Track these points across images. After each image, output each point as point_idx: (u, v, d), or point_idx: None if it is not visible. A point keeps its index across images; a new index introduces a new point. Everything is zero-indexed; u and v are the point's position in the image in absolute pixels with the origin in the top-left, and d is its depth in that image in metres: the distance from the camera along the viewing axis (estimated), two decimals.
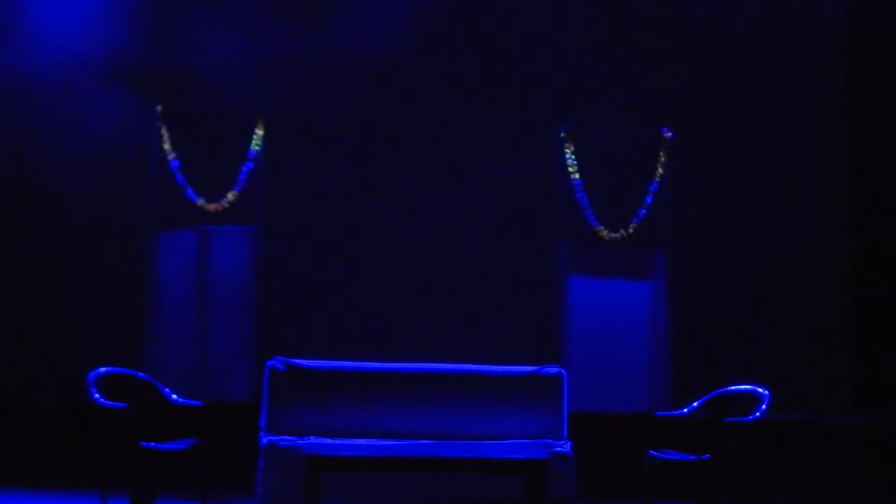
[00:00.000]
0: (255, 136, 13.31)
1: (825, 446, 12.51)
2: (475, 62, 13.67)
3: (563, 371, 11.03)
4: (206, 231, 13.27)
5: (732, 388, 10.73)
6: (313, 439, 10.33)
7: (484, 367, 11.03)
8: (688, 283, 13.51)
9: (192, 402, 10.65)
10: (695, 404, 10.77)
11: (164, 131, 13.20)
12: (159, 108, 13.20)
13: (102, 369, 10.40)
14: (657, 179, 13.56)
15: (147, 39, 13.40)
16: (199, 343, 13.13)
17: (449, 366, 10.98)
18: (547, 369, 11.02)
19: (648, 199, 13.53)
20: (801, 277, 13.70)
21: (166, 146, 13.20)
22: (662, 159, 13.59)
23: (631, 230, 13.50)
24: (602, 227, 13.49)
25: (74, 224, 13.21)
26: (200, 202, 13.21)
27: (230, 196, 13.26)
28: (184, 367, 12.91)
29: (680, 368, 13.26)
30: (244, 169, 13.28)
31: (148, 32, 13.41)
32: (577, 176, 13.55)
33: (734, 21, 13.76)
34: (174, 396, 10.61)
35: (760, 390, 10.54)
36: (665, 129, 13.57)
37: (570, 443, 10.59)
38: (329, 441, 10.30)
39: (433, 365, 11.00)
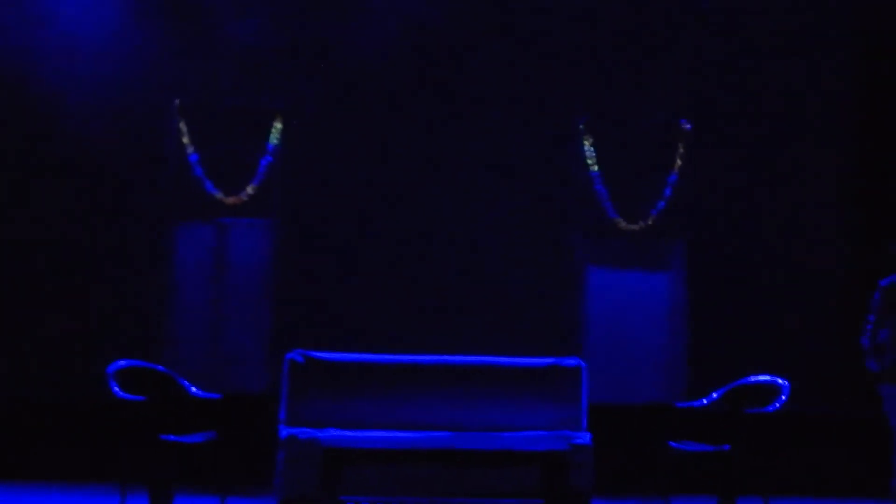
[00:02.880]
0: (273, 130, 13.33)
1: (846, 438, 12.49)
2: (494, 54, 13.65)
3: (583, 362, 11.02)
4: (225, 224, 13.29)
5: (752, 379, 10.71)
6: (332, 431, 10.34)
7: (503, 358, 11.03)
8: (707, 274, 13.49)
9: (211, 394, 10.67)
10: (714, 395, 10.75)
11: (182, 125, 13.23)
12: (178, 102, 13.22)
13: (121, 362, 10.42)
14: (676, 171, 13.54)
15: (165, 33, 13.40)
16: (218, 336, 13.16)
17: (468, 357, 10.98)
18: (566, 361, 11.01)
19: (667, 191, 13.51)
20: (823, 268, 13.65)
21: (185, 140, 13.22)
22: (681, 151, 13.58)
23: (650, 222, 13.49)
24: (621, 219, 13.48)
25: (93, 217, 13.22)
26: (219, 195, 13.23)
27: (249, 189, 13.28)
28: (202, 359, 12.94)
29: (699, 359, 13.25)
30: (262, 162, 13.30)
31: (166, 26, 13.41)
32: (595, 168, 13.54)
33: (754, 12, 13.71)
34: (193, 389, 10.63)
35: (780, 381, 10.53)
36: (683, 120, 13.55)
37: (589, 434, 10.58)
38: (348, 433, 10.31)
39: (452, 357, 11.00)
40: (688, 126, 13.57)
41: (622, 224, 13.48)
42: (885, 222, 13.67)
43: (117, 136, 13.23)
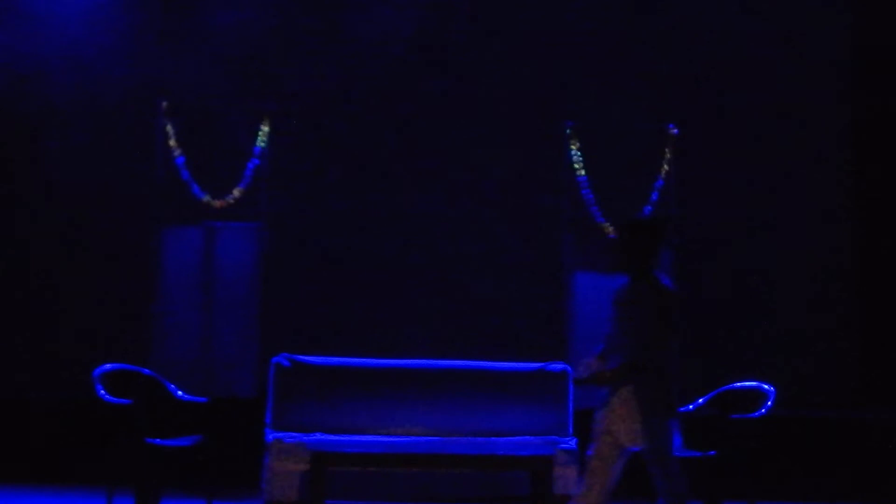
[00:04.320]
0: (260, 133, 13.32)
1: (832, 442, 12.52)
2: (482, 58, 13.66)
3: (569, 367, 11.03)
4: (212, 227, 13.27)
5: (738, 384, 10.73)
6: (319, 436, 10.34)
7: (489, 363, 11.03)
8: (693, 278, 13.50)
9: (198, 398, 10.67)
10: (700, 401, 10.77)
11: (169, 127, 13.21)
12: (165, 104, 13.20)
13: (108, 366, 10.42)
14: (663, 176, 13.55)
15: (152, 34, 13.39)
16: (205, 339, 13.13)
17: (454, 362, 10.98)
18: (553, 366, 11.02)
19: (654, 196, 13.52)
20: (808, 273, 13.69)
21: (172, 142, 13.20)
22: (668, 156, 13.59)
23: None
24: (608, 224, 13.49)
25: (80, 220, 13.21)
26: (206, 199, 13.21)
27: (236, 192, 13.27)
28: (189, 363, 12.92)
29: (685, 365, 13.25)
30: (249, 165, 13.29)
31: (153, 27, 13.40)
32: (582, 172, 13.55)
33: (741, 18, 13.74)
34: (179, 393, 10.63)
35: (766, 387, 10.55)
36: (671, 125, 13.56)
37: (575, 439, 10.58)
38: (334, 437, 10.31)
39: (438, 361, 11.00)
40: (675, 131, 13.57)
41: (609, 229, 13.48)
42: (878, 225, 13.71)
43: (104, 138, 13.21)
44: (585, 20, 13.75)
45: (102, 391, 10.19)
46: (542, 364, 11.04)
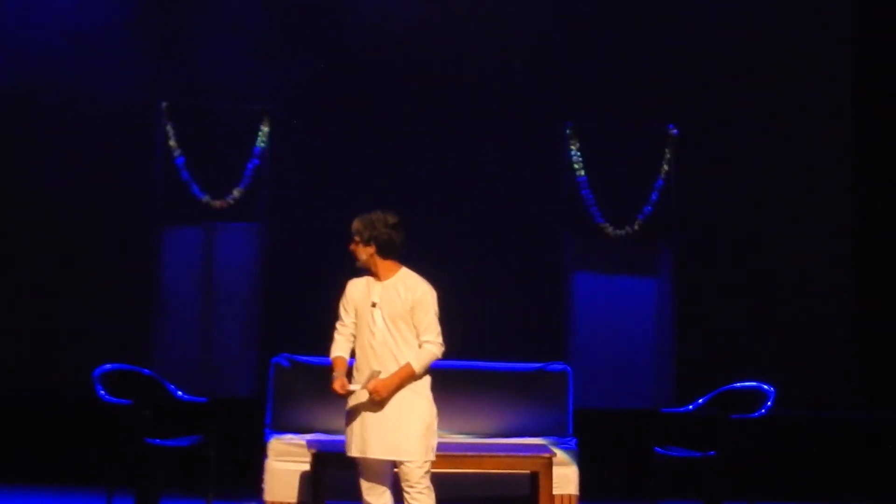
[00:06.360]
0: (260, 133, 13.32)
1: (831, 443, 12.52)
2: (480, 57, 13.64)
3: (569, 368, 11.04)
4: (212, 227, 13.27)
5: (738, 384, 10.75)
6: (318, 436, 10.34)
7: (489, 363, 11.04)
8: (693, 279, 13.50)
9: (198, 398, 10.67)
10: (700, 401, 10.79)
11: (169, 128, 13.21)
12: (165, 104, 13.20)
13: (108, 366, 10.43)
14: (663, 176, 13.55)
15: (152, 34, 13.38)
16: (205, 339, 13.14)
17: (454, 362, 10.95)
18: (552, 366, 11.03)
19: (654, 196, 13.52)
20: (808, 274, 13.68)
21: (172, 143, 13.20)
22: (668, 156, 13.59)
23: (636, 227, 13.50)
24: (607, 224, 13.49)
25: (80, 220, 13.19)
26: (206, 199, 13.21)
27: (235, 193, 13.26)
28: (189, 363, 12.92)
29: (685, 365, 13.26)
30: (249, 166, 13.29)
31: (152, 27, 13.39)
32: (582, 172, 13.55)
33: (741, 18, 13.73)
34: (179, 393, 10.64)
35: (766, 387, 10.58)
36: (671, 125, 13.56)
37: (575, 439, 10.59)
38: (334, 437, 10.30)
39: (438, 361, 10.98)
40: (675, 131, 13.57)
41: (609, 229, 13.48)
42: (877, 226, 13.71)
43: (103, 139, 13.19)
44: (585, 20, 13.73)
45: (102, 391, 10.21)
46: (542, 364, 11.05)
